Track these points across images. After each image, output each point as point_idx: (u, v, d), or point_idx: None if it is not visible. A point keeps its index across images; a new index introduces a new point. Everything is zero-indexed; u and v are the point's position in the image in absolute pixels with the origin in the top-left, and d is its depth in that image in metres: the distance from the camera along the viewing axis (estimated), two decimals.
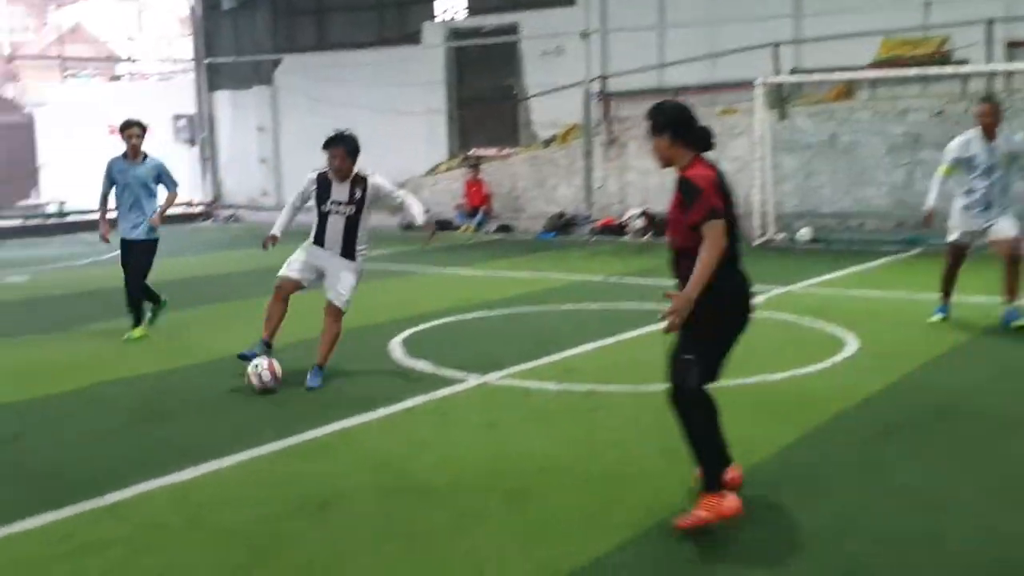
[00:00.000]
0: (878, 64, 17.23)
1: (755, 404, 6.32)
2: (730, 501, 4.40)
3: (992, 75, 15.91)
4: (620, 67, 19.69)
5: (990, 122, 8.49)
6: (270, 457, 5.61)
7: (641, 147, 19.23)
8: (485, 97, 22.69)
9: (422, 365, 7.74)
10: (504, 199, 20.65)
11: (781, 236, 16.30)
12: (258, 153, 25.68)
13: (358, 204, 7.29)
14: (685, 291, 4.26)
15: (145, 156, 9.27)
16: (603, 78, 19.75)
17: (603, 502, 4.79)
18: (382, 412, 6.44)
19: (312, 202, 7.39)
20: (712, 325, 4.40)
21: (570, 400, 6.68)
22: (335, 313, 7.28)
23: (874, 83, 17.38)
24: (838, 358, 7.61)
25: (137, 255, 9.25)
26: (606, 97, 19.75)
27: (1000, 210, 8.64)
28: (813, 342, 8.24)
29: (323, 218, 7.34)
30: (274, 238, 7.41)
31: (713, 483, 4.43)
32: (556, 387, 7.00)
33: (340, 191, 7.28)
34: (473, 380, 7.25)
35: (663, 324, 4.30)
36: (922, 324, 8.89)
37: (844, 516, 4.52)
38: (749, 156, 16.68)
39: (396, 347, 8.44)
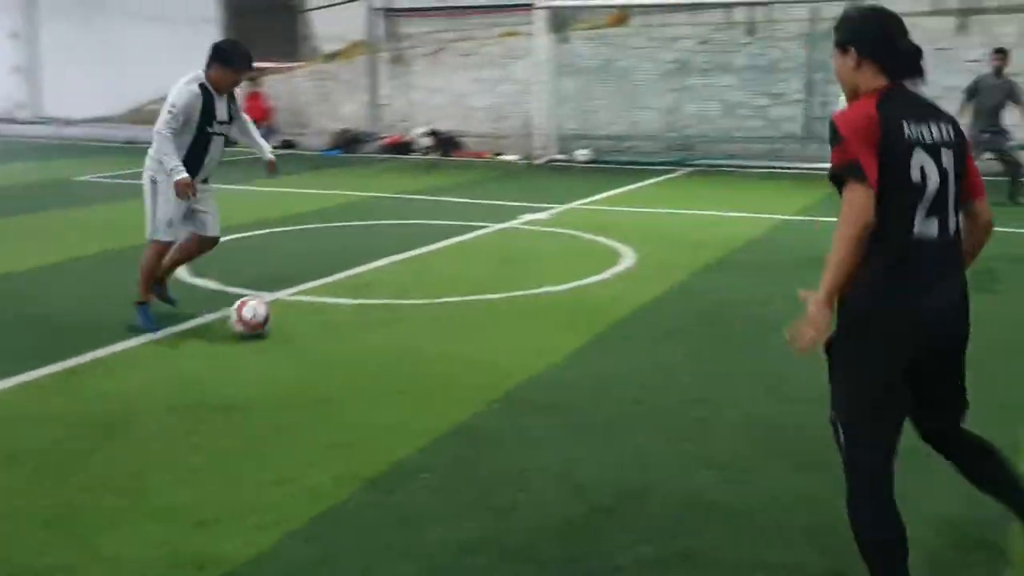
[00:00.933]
0: None
1: (543, 314, 6.64)
2: None
3: (755, 5, 16.89)
4: None
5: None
6: (53, 378, 5.39)
7: (428, 65, 19.23)
8: (262, 8, 21.84)
9: (208, 284, 7.58)
10: (287, 114, 20.09)
11: (562, 156, 16.83)
12: (13, 61, 23.65)
13: (232, 122, 6.42)
14: (818, 291, 2.80)
15: None
16: None
17: (403, 410, 4.96)
18: (171, 330, 6.30)
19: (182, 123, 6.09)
20: (856, 355, 2.89)
21: (367, 314, 6.78)
22: (213, 244, 6.65)
23: (648, 10, 18.07)
24: (617, 269, 8.09)
25: None
26: (390, 13, 19.50)
27: None
28: (594, 255, 8.68)
29: (205, 142, 6.22)
30: (192, 184, 6.11)
31: None
32: (352, 302, 7.06)
33: (221, 108, 6.26)
34: (265, 297, 7.16)
35: (793, 344, 2.80)
36: (690, 237, 9.53)
37: (628, 413, 4.90)
38: (531, 78, 17.03)
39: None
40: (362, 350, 5.98)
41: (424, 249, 8.94)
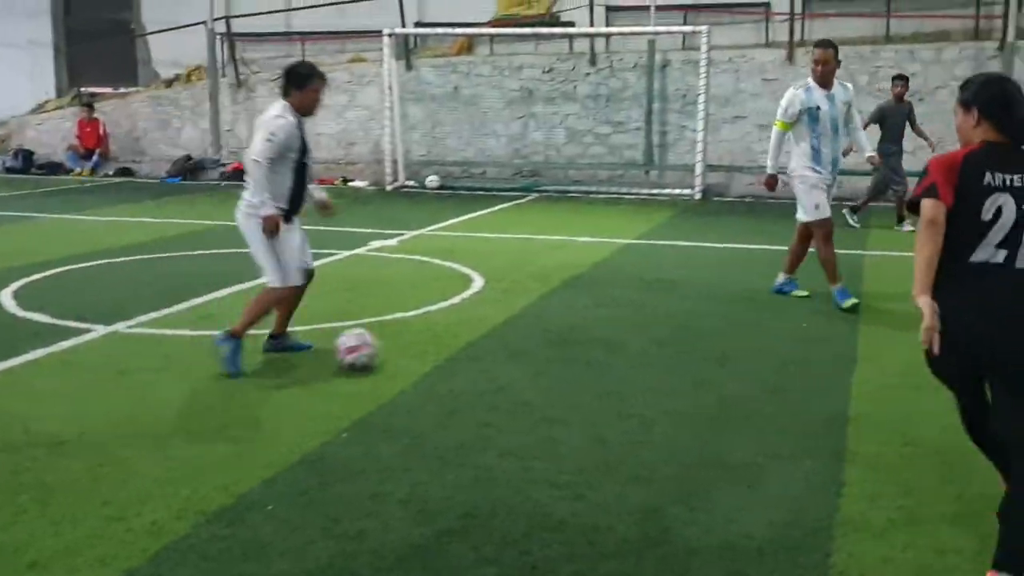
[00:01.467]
0: (496, 21, 18.26)
1: (392, 340, 6.63)
2: None
3: (594, 36, 17.39)
4: (246, 8, 19.15)
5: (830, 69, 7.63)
6: None
7: (272, 91, 18.92)
8: (98, 32, 21.08)
9: (39, 317, 7.24)
10: (123, 141, 19.42)
11: (411, 183, 16.86)
12: None
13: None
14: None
15: None
16: (228, 18, 19.10)
17: (246, 442, 4.86)
18: None
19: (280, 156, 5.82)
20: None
21: (206, 346, 6.59)
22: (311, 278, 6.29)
23: (493, 39, 18.36)
24: (466, 294, 8.16)
25: None
26: (232, 37, 19.14)
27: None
28: (444, 280, 8.73)
29: (303, 172, 6.03)
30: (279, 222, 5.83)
31: None
32: (192, 334, 6.87)
33: (306, 137, 6.05)
34: (100, 330, 6.91)
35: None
36: (538, 262, 9.71)
37: (476, 435, 4.95)
38: (379, 105, 17.02)
39: (6, 299, 7.80)
40: (203, 382, 5.82)
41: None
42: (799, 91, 7.66)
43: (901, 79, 12.25)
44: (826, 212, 7.79)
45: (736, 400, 5.51)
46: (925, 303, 3.32)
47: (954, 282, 3.40)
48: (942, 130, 13.06)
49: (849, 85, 8.02)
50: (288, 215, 5.94)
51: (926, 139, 12.35)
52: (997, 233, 3.40)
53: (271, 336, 6.36)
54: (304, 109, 5.95)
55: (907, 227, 11.64)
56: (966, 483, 4.29)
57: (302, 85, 5.92)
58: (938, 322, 3.30)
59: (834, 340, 6.77)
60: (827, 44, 7.74)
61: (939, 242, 3.37)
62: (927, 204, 3.41)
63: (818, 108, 7.59)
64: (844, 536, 3.83)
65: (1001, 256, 3.41)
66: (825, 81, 7.64)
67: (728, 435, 4.96)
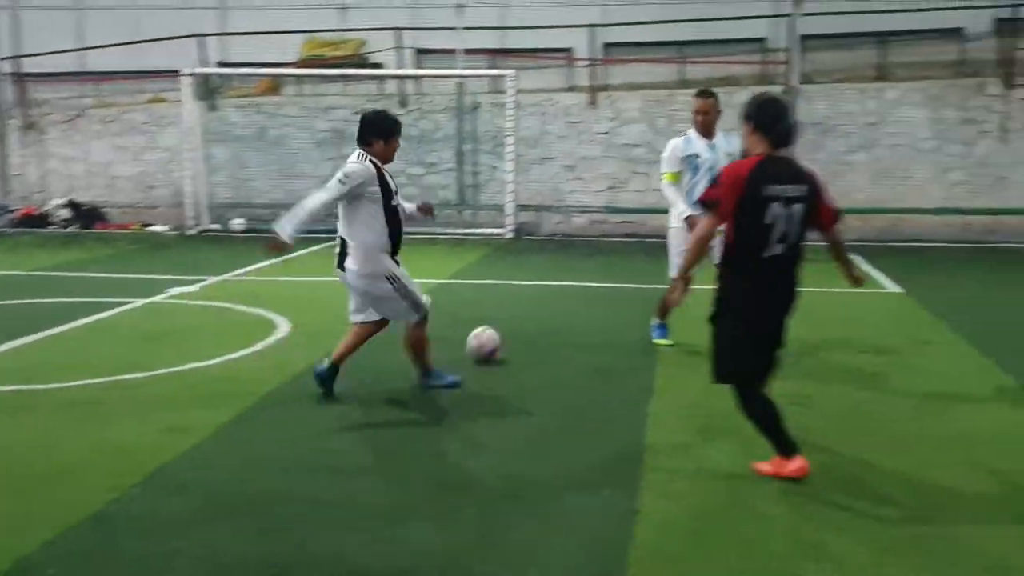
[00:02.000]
0: (302, 62, 18.09)
1: (190, 391, 6.39)
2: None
3: (404, 78, 17.53)
4: (36, 47, 18.22)
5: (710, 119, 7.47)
6: None
7: (65, 132, 18.05)
8: None
9: None
10: None
11: (216, 226, 16.38)
12: None
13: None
14: None
15: None
16: (17, 57, 18.11)
17: (28, 503, 4.56)
18: None
19: (356, 200, 6.05)
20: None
21: None
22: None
23: (300, 80, 18.19)
24: (271, 340, 7.96)
25: None
26: (21, 78, 18.15)
27: None
28: (246, 327, 8.49)
29: (395, 213, 6.18)
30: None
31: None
32: None
33: (392, 180, 6.21)
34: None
35: None
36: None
37: (275, 486, 4.80)
38: (180, 146, 16.50)
39: None
40: None
41: (59, 329, 8.30)
42: (678, 140, 7.54)
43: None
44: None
45: (537, 433, 5.61)
46: (680, 281, 4.95)
47: (749, 272, 4.59)
48: None
49: (735, 136, 6.88)
50: (393, 254, 6.20)
51: None
52: (777, 232, 4.52)
53: (424, 373, 6.51)
54: (384, 159, 6.15)
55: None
56: (753, 507, 4.50)
57: (389, 135, 6.12)
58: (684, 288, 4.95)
59: (632, 373, 7.00)
60: (707, 94, 7.55)
61: (705, 252, 4.78)
62: (704, 223, 4.63)
63: (697, 156, 7.43)
64: (639, 564, 3.93)
65: (780, 248, 4.57)
66: (706, 130, 7.47)
67: (528, 469, 5.03)
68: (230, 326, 8.61)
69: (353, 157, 6.11)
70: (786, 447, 4.73)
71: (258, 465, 5.08)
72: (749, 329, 4.67)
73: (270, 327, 8.46)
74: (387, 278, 6.16)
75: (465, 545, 4.11)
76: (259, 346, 7.75)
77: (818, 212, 4.70)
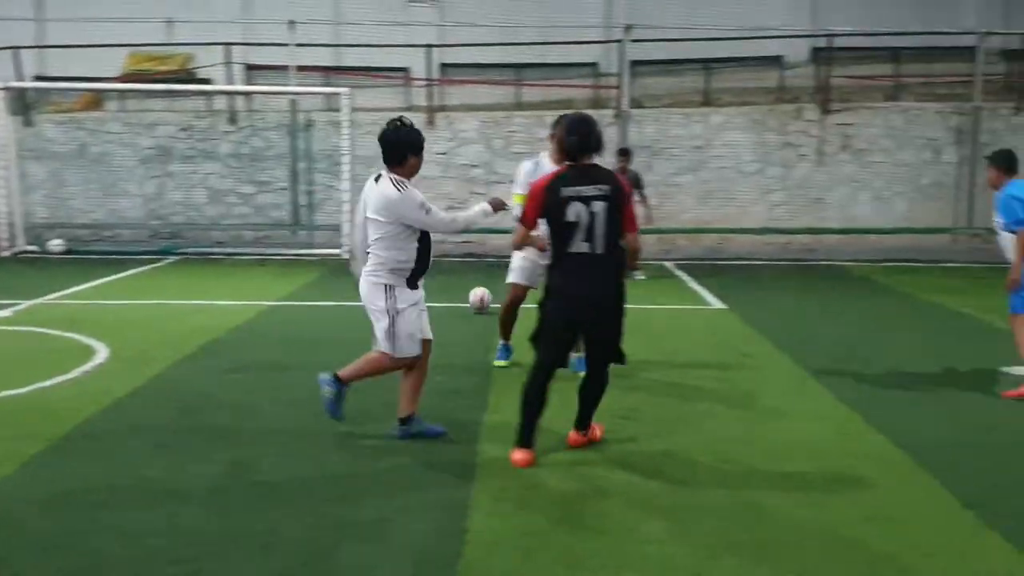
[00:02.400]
0: (125, 77, 17.36)
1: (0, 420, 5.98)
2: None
3: (234, 94, 17.07)
4: None
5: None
6: None
7: None
8: None
9: None
10: None
11: (32, 247, 15.49)
12: None
13: None
14: None
15: None
16: None
17: None
18: None
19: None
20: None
21: None
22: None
23: (123, 95, 17.47)
24: (88, 367, 7.54)
25: None
26: None
27: None
28: (62, 353, 8.02)
29: (428, 240, 5.83)
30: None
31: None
32: None
33: None
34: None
35: None
36: (171, 328, 9.22)
37: (89, 516, 4.54)
38: None
39: None
40: None
41: None
42: (528, 163, 7.44)
43: (623, 154, 13.11)
44: (514, 278, 7.55)
45: (369, 456, 5.50)
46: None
47: (562, 266, 5.15)
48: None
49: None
50: (421, 275, 5.79)
51: (643, 199, 13.16)
52: (581, 230, 5.07)
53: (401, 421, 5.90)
54: (413, 175, 5.70)
55: (638, 276, 12.58)
56: (581, 523, 4.55)
57: (419, 151, 5.67)
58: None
59: (466, 392, 6.98)
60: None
61: (520, 249, 6.00)
62: (519, 231, 5.36)
63: None
64: None
65: (586, 247, 5.09)
66: (559, 158, 6.99)
67: (358, 492, 4.93)
68: (44, 352, 8.12)
69: (392, 187, 5.54)
70: (526, 441, 5.30)
71: (69, 498, 4.79)
72: (554, 318, 5.23)
73: (88, 353, 8.02)
74: (384, 287, 5.65)
75: (293, 570, 3.97)
76: (75, 373, 7.33)
77: (622, 214, 5.17)
